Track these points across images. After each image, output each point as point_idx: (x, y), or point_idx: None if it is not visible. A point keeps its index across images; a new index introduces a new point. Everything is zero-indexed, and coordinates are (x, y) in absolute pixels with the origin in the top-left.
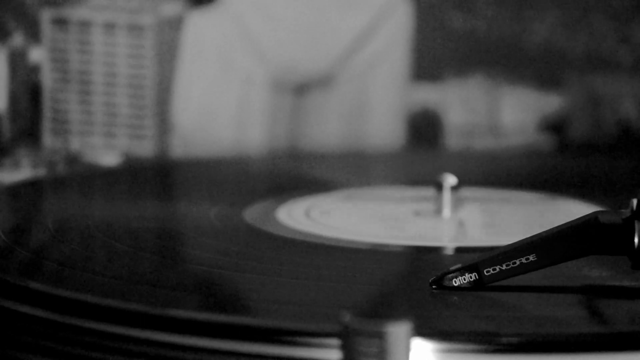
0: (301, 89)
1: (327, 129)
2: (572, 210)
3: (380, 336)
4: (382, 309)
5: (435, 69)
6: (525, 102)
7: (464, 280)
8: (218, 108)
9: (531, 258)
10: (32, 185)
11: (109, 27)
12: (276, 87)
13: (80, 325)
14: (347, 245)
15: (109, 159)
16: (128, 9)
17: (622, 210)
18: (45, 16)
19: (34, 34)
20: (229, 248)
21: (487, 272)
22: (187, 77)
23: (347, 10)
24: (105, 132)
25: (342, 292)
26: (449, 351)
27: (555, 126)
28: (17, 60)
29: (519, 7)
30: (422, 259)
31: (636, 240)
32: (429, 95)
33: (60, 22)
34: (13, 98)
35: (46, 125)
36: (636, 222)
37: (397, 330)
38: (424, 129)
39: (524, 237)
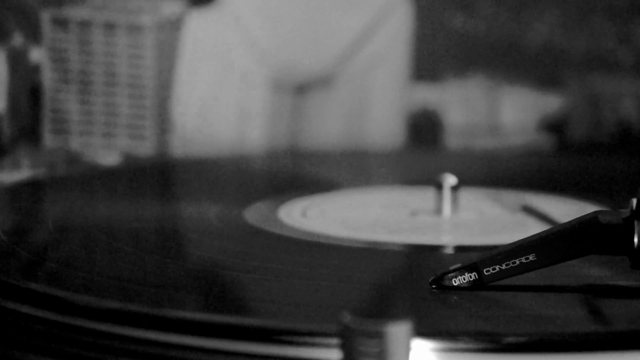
0: (301, 89)
1: (327, 128)
2: (572, 210)
3: (380, 336)
4: (382, 309)
5: (435, 69)
6: (525, 102)
7: (464, 279)
8: (218, 108)
9: (531, 258)
10: (32, 185)
11: (109, 27)
12: (276, 87)
13: (80, 326)
14: (347, 244)
15: (109, 159)
16: (128, 9)
17: (622, 210)
18: (45, 16)
19: (34, 34)
20: (229, 248)
21: (487, 271)
22: (187, 77)
23: (347, 10)
24: (105, 132)
25: (342, 292)
26: (449, 351)
27: (555, 126)
28: (17, 60)
29: (519, 7)
30: (422, 259)
31: (636, 240)
32: (429, 95)
33: (60, 22)
34: (13, 98)
35: (46, 125)
36: (636, 222)
37: (397, 330)
38: (424, 129)
39: (523, 237)
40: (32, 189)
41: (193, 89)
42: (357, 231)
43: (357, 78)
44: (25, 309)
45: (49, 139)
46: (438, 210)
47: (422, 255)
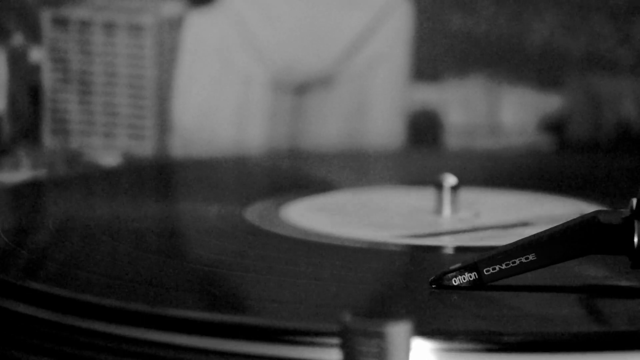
0: (301, 89)
1: (327, 128)
2: (572, 210)
3: (380, 336)
4: (382, 308)
5: (435, 69)
6: (525, 102)
7: (464, 279)
8: (218, 108)
9: (531, 257)
10: (32, 185)
11: (109, 27)
12: (276, 87)
13: (80, 326)
14: (347, 244)
15: (109, 159)
16: (128, 9)
17: (622, 210)
18: (45, 16)
19: (34, 34)
20: (229, 248)
21: (487, 271)
22: (187, 77)
23: (347, 10)
24: (105, 132)
25: (342, 292)
26: (449, 351)
27: (555, 126)
28: (17, 60)
29: (519, 7)
30: (422, 259)
31: (636, 239)
32: (429, 95)
33: (60, 22)
34: (13, 98)
35: (46, 125)
36: (636, 221)
37: (397, 330)
38: (424, 129)
39: (523, 237)
40: (32, 189)
41: (193, 88)
42: (357, 231)
43: (357, 78)
44: (25, 309)
45: (49, 139)
46: (438, 211)
47: (422, 255)
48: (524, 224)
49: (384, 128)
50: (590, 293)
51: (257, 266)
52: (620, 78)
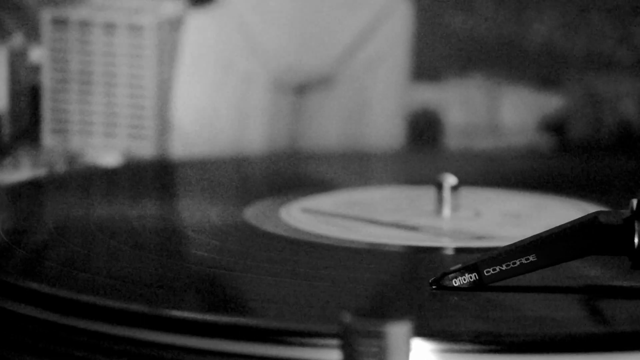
0: (301, 89)
1: (327, 129)
2: (572, 210)
3: (380, 336)
4: (382, 309)
5: (435, 69)
6: (525, 102)
7: (464, 280)
8: (218, 108)
9: (531, 258)
10: (32, 185)
11: (109, 27)
12: (276, 87)
13: (80, 326)
14: (347, 245)
15: (109, 159)
16: (128, 9)
17: (622, 211)
18: (45, 16)
19: (34, 34)
20: (229, 248)
21: (487, 272)
22: (187, 77)
23: (347, 10)
24: (105, 132)
25: (342, 292)
26: (449, 351)
27: (555, 126)
28: (17, 60)
29: (519, 7)
30: (422, 259)
31: (636, 240)
32: (429, 95)
33: (60, 22)
34: (13, 98)
35: (46, 125)
36: (636, 222)
37: (397, 330)
38: (424, 129)
39: (523, 238)
40: (32, 189)
41: (193, 88)
42: (356, 231)
43: (357, 78)
44: (25, 309)
45: (49, 139)
46: (438, 211)
47: (422, 256)
48: (524, 224)
49: (384, 128)
50: (591, 294)
51: (257, 266)
52: (620, 78)
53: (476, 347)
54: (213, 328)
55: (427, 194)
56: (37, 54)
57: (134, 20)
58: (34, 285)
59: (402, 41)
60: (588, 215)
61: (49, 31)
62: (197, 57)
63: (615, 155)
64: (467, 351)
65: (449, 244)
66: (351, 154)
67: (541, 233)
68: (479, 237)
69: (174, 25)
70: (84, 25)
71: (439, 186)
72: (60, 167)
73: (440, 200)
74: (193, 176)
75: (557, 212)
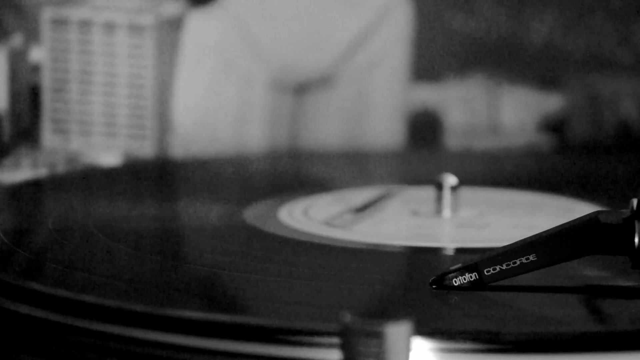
0: (301, 89)
1: (327, 129)
2: (572, 210)
3: (380, 336)
4: (382, 309)
5: (435, 69)
6: (525, 102)
7: (464, 280)
8: (218, 108)
9: (531, 258)
10: (32, 185)
11: (109, 27)
12: (276, 87)
13: (80, 326)
14: (347, 245)
15: (109, 159)
16: (128, 9)
17: (622, 210)
18: (45, 16)
19: (34, 34)
20: (229, 248)
21: (487, 271)
22: (187, 77)
23: (347, 10)
24: (105, 132)
25: (342, 292)
26: (449, 351)
27: (555, 126)
28: (17, 60)
29: (519, 7)
30: (422, 259)
31: (636, 240)
32: (429, 95)
33: (60, 22)
34: (13, 98)
35: (46, 125)
36: (636, 222)
37: (397, 330)
38: (424, 129)
39: (523, 237)
40: (32, 189)
41: (193, 89)
42: (356, 231)
43: (357, 78)
44: (25, 309)
45: (49, 139)
46: (438, 211)
47: (422, 256)
48: (524, 224)
49: (384, 128)
50: (591, 293)
51: (257, 266)
52: (620, 78)
53: (476, 346)
54: (213, 328)
55: (427, 194)
56: (37, 54)
57: (134, 20)
58: (34, 286)
59: (402, 41)
60: (588, 214)
61: (48, 31)
62: (197, 57)
63: (615, 155)
64: (467, 351)
65: (448, 244)
66: (351, 153)
67: (541, 233)
68: (479, 237)
69: (174, 25)
70: (84, 25)
71: (439, 186)
72: (60, 167)
73: (440, 200)
74: (193, 176)
75: (557, 211)
